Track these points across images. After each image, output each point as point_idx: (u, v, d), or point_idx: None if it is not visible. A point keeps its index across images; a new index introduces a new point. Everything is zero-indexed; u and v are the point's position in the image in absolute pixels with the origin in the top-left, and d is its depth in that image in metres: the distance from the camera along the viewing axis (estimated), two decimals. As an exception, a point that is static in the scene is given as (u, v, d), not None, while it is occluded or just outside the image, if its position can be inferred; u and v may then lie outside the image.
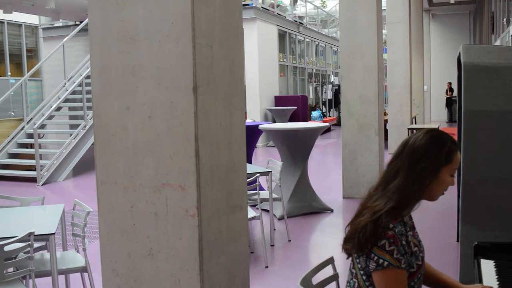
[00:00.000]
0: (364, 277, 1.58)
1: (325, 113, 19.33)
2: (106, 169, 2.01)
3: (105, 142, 2.00)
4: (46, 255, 3.30)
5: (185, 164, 1.86)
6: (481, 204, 3.31)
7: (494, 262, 2.16)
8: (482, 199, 3.31)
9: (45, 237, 2.66)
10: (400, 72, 10.65)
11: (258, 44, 13.35)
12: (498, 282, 1.96)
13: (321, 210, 5.79)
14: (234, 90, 2.12)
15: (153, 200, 1.93)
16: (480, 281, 1.94)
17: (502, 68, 3.22)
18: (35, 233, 2.60)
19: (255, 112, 13.54)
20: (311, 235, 5.21)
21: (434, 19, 20.35)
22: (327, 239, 5.01)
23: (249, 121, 12.48)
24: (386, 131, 11.33)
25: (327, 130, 17.17)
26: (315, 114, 17.09)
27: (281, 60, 15.37)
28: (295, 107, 13.95)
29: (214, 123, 1.97)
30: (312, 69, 18.92)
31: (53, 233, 2.65)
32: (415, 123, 12.86)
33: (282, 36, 15.63)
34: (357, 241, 1.55)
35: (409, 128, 10.11)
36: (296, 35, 16.75)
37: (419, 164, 1.60)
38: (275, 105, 14.28)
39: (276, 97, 14.42)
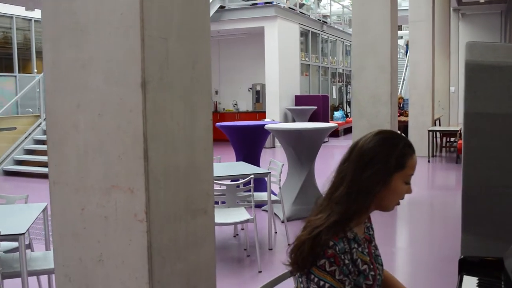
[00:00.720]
0: None
1: (348, 114, 19.01)
2: (58, 169, 1.91)
3: (57, 140, 1.90)
4: (29, 254, 3.24)
5: (134, 165, 1.74)
6: (483, 213, 3.10)
7: (478, 280, 1.97)
8: (484, 208, 3.09)
9: (14, 237, 2.58)
10: (422, 72, 10.33)
11: (279, 42, 13.18)
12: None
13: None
14: (197, 87, 1.99)
15: (103, 203, 1.82)
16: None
17: (508, 68, 2.99)
18: (4, 233, 2.53)
19: (274, 111, 13.40)
20: (313, 239, 5.03)
21: (463, 19, 19.76)
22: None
23: (268, 120, 12.36)
24: (407, 132, 11.03)
25: (350, 130, 16.87)
26: (337, 114, 16.82)
27: (303, 59, 15.16)
28: (315, 107, 13.73)
29: (170, 122, 1.84)
30: (336, 69, 18.63)
31: (23, 233, 2.57)
32: (439, 125, 12.49)
33: (305, 34, 15.43)
34: (295, 260, 1.39)
35: (429, 130, 9.78)
36: (319, 34, 16.51)
37: (366, 170, 1.41)
38: (296, 105, 14.09)
39: (296, 97, 14.23)
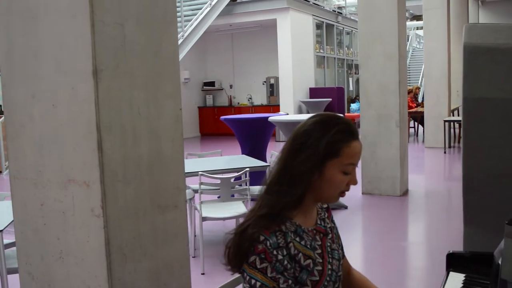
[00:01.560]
0: None
1: (366, 106, 18.68)
2: (17, 163, 1.83)
3: (15, 133, 1.82)
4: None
5: (88, 157, 1.65)
6: (485, 205, 2.93)
7: (464, 277, 1.83)
8: (486, 199, 2.91)
9: (-5, 234, 2.53)
10: (437, 61, 10.03)
11: (292, 34, 13.00)
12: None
13: (334, 206, 5.46)
14: (162, 74, 1.89)
15: (61, 198, 1.74)
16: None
17: (509, 49, 2.81)
18: (-18, 230, 2.48)
19: (288, 104, 13.24)
20: (318, 233, 4.90)
21: (483, 6, 19.20)
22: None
23: (281, 113, 12.22)
24: (423, 123, 10.76)
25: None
26: (354, 106, 16.55)
27: (318, 51, 14.94)
28: (330, 99, 13.52)
29: (129, 111, 1.75)
30: (352, 60, 18.34)
31: (1, 230, 2.51)
32: (458, 115, 12.15)
33: (319, 26, 15.19)
34: (228, 259, 1.28)
35: (445, 120, 9.51)
36: (334, 25, 16.25)
37: (297, 156, 1.27)
38: (310, 97, 13.90)
39: (311, 89, 14.04)
